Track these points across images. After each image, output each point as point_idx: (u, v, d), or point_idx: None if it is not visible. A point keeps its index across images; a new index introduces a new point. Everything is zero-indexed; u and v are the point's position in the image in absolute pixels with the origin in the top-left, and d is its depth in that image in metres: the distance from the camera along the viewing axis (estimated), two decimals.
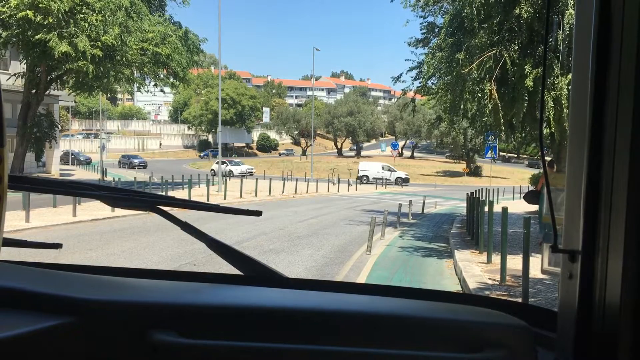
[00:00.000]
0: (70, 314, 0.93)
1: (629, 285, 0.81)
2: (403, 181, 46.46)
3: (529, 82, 10.52)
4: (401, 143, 76.90)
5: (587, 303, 0.88)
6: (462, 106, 12.05)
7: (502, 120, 11.78)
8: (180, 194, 24.16)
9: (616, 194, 0.83)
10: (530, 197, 13.17)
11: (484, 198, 17.28)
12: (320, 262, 9.86)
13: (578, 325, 0.89)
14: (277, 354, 0.93)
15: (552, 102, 10.67)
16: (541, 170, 14.95)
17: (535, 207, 13.99)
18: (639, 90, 0.80)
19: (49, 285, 1.01)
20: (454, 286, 8.39)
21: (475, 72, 11.15)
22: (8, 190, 0.88)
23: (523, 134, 15.08)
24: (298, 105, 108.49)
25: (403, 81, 39.85)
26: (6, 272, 1.06)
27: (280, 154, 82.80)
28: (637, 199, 0.81)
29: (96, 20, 23.75)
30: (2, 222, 0.75)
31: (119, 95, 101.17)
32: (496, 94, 11.10)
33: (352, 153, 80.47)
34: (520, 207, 18.56)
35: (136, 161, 57.19)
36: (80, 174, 43.14)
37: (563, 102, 10.50)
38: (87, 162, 56.11)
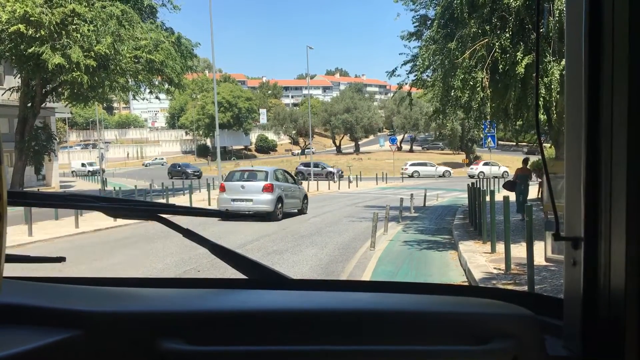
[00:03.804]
0: (77, 327, 0.93)
1: (633, 270, 0.81)
2: None
3: (520, 69, 10.54)
4: (399, 137, 76.95)
5: (592, 289, 0.88)
6: (452, 94, 12.07)
7: (489, 110, 11.85)
8: (182, 199, 24.18)
9: (616, 178, 0.83)
10: (508, 185, 14.36)
11: (484, 188, 17.29)
12: (324, 260, 9.87)
13: (584, 311, 0.89)
14: (286, 356, 0.93)
15: (544, 89, 10.69)
16: (539, 157, 15.12)
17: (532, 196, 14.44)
18: (633, 71, 0.80)
19: (54, 300, 1.01)
20: (459, 277, 8.39)
21: (468, 60, 11.17)
22: (8, 206, 0.88)
23: (521, 121, 15.13)
24: (294, 104, 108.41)
25: (398, 75, 39.95)
26: (11, 288, 1.06)
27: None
28: (636, 182, 0.81)
29: (88, 30, 23.71)
30: (3, 239, 0.75)
31: (115, 104, 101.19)
32: (487, 83, 11.12)
33: (352, 149, 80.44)
34: None
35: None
36: (81, 185, 43.15)
37: (553, 87, 10.53)
38: (197, 176, 48.57)
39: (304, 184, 26.43)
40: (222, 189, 16.78)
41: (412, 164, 52.74)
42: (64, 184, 39.89)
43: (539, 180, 18.28)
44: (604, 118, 0.85)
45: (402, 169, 51.25)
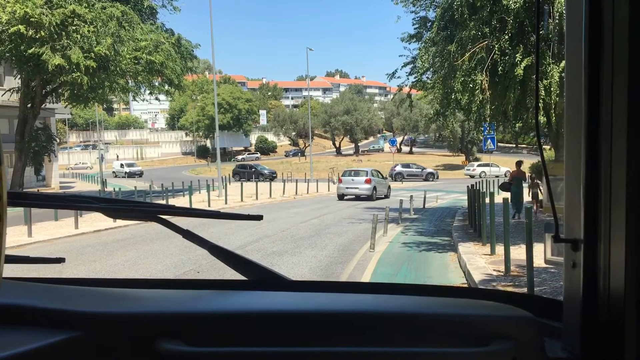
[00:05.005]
0: (76, 328, 0.93)
1: (633, 272, 0.81)
2: None
3: (520, 71, 10.55)
4: (399, 139, 76.94)
5: (591, 291, 0.88)
6: (453, 97, 12.08)
7: (488, 112, 11.85)
8: (181, 201, 24.17)
9: (615, 180, 0.83)
10: (504, 186, 14.76)
11: (484, 190, 17.30)
12: (324, 262, 9.86)
13: (584, 313, 0.89)
14: (285, 357, 0.93)
15: (543, 91, 10.70)
16: (539, 159, 15.27)
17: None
18: (633, 73, 0.80)
19: (54, 301, 1.01)
20: (459, 279, 8.39)
21: (467, 62, 11.18)
22: (8, 207, 0.88)
23: (520, 123, 15.15)
24: (294, 106, 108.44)
25: (398, 77, 39.82)
26: (11, 289, 1.06)
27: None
28: (636, 184, 0.81)
29: (88, 31, 23.72)
30: (3, 239, 0.75)
31: (115, 105, 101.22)
32: (486, 85, 11.13)
33: (351, 151, 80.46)
34: None
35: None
36: (80, 185, 43.12)
37: (553, 89, 10.54)
38: (272, 178, 45.09)
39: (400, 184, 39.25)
40: (340, 181, 26.16)
41: (479, 165, 52.46)
42: (63, 185, 39.88)
43: (529, 183, 18.38)
44: (604, 120, 0.85)
45: (470, 169, 51.17)
